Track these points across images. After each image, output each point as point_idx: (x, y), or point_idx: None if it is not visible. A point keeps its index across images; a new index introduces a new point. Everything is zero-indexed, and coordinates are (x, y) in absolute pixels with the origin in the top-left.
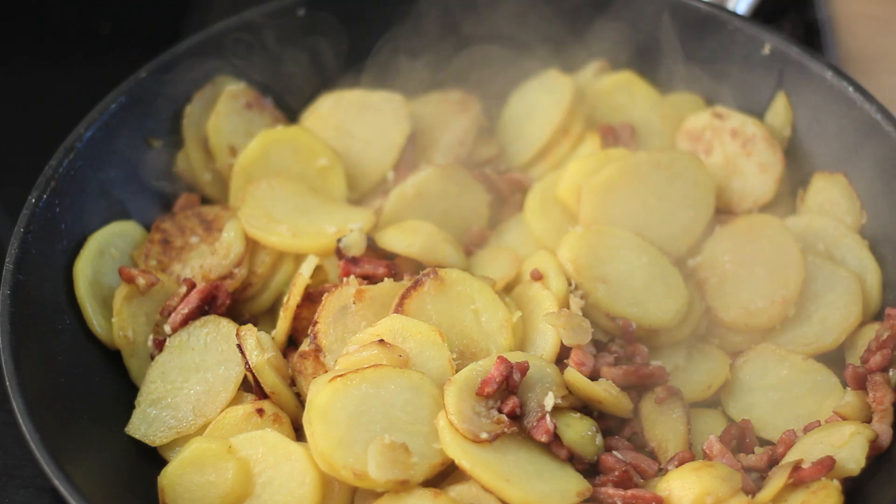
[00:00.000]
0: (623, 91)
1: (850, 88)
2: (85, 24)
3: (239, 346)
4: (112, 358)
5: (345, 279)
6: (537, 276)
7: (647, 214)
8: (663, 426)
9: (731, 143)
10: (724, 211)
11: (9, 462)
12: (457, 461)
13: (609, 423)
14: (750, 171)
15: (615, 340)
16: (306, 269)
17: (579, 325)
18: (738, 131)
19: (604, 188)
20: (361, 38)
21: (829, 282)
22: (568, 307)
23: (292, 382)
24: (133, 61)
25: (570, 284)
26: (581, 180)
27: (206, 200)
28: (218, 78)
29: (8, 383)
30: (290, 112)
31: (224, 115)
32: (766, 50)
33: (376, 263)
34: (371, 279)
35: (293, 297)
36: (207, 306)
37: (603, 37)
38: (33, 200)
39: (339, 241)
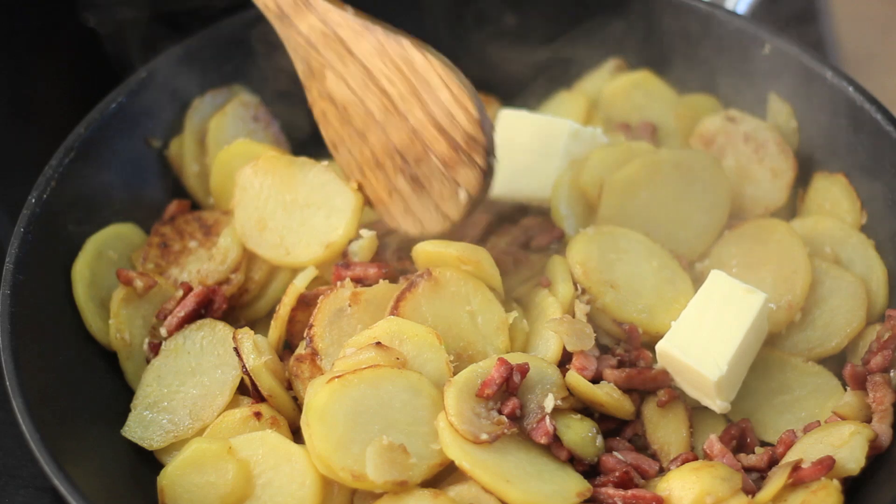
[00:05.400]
0: (640, 90)
1: (850, 88)
2: (85, 24)
3: (236, 350)
4: (112, 358)
5: (339, 282)
6: (545, 283)
7: (665, 215)
8: (665, 429)
9: (744, 148)
10: (735, 216)
11: (9, 462)
12: (457, 462)
13: (610, 425)
14: (762, 177)
15: (620, 344)
16: (301, 280)
17: (582, 330)
18: (751, 136)
19: (626, 184)
20: None
21: (834, 286)
22: (573, 313)
23: (289, 386)
24: (133, 61)
25: (577, 289)
26: (603, 171)
27: (195, 206)
28: (236, 86)
29: (8, 383)
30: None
31: (229, 116)
32: (766, 50)
33: (367, 265)
34: (363, 281)
35: (284, 307)
36: (204, 310)
37: (601, 36)
38: (33, 200)
39: (349, 243)
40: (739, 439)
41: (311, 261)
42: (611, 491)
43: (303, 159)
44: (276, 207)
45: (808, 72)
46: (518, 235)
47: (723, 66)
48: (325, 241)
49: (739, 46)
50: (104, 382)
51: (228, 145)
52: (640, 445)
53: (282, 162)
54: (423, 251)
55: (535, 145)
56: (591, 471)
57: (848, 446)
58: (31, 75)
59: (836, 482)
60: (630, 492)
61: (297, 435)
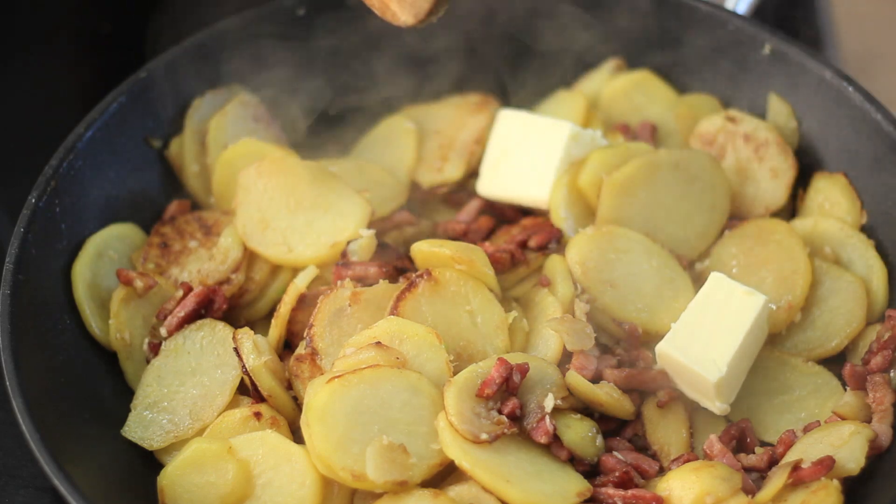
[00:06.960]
0: (639, 90)
1: (850, 88)
2: (85, 24)
3: (236, 350)
4: (112, 358)
5: (339, 282)
6: (545, 283)
7: (664, 215)
8: (665, 430)
9: (744, 148)
10: (735, 216)
11: (9, 462)
12: (457, 462)
13: (610, 425)
14: (762, 177)
15: (620, 344)
16: (302, 280)
17: (582, 330)
18: (751, 136)
19: (624, 185)
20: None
21: (834, 286)
22: (573, 312)
23: (289, 386)
24: (133, 61)
25: (576, 288)
26: (602, 171)
27: (195, 206)
28: (236, 85)
29: (8, 383)
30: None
31: (230, 116)
32: (766, 50)
33: (367, 265)
34: (363, 281)
35: (285, 306)
36: (204, 310)
37: (601, 36)
38: (33, 200)
39: (348, 243)
40: (739, 439)
41: (314, 259)
42: (611, 491)
43: (309, 163)
44: (279, 208)
45: (808, 72)
46: (517, 235)
47: (723, 66)
48: (330, 240)
49: (739, 46)
50: (104, 382)
51: (234, 144)
52: (640, 445)
53: (287, 164)
54: (419, 250)
55: (534, 146)
56: (591, 471)
57: (848, 446)
58: (31, 75)
59: (836, 482)
60: (630, 492)
61: (297, 435)
